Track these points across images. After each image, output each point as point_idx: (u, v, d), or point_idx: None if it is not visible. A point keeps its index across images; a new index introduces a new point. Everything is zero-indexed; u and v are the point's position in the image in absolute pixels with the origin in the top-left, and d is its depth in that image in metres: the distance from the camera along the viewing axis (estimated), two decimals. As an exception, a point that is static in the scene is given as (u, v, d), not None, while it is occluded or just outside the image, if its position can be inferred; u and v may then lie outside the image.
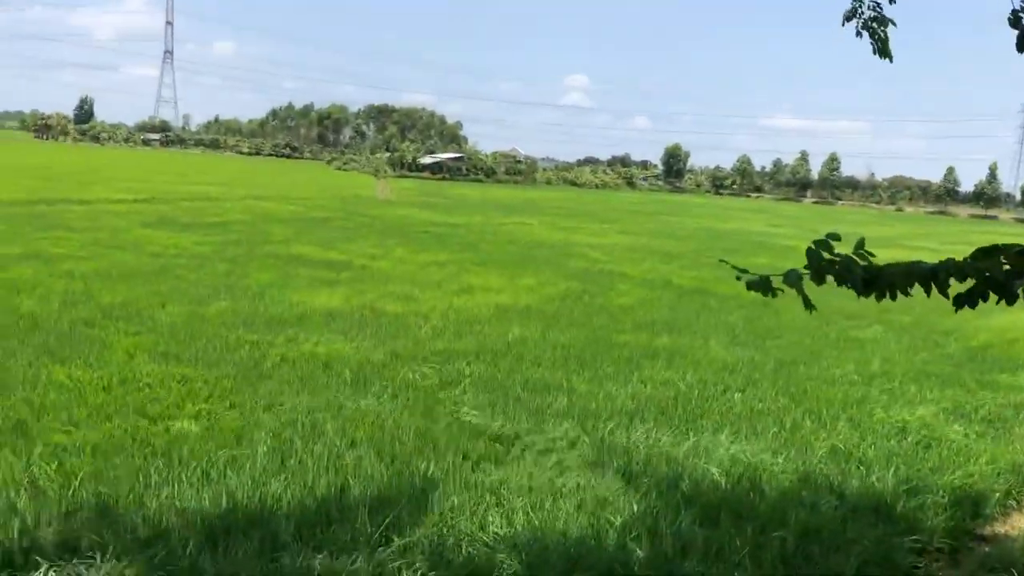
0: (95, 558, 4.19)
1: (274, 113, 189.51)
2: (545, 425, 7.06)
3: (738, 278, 3.09)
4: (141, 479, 5.26)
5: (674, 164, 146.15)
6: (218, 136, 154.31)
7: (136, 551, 4.31)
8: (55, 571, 4.11)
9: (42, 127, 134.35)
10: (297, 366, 8.27)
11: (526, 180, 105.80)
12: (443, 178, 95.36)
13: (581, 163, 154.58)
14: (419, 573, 4.39)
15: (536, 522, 5.11)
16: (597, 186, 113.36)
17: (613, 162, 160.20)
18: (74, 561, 4.18)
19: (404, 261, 17.34)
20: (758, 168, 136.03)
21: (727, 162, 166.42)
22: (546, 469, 6.06)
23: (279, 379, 7.79)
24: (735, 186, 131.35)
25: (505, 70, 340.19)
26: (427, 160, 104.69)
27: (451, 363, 8.85)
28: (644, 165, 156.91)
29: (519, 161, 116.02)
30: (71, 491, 4.98)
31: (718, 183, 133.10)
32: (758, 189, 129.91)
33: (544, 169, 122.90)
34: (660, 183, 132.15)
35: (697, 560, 4.80)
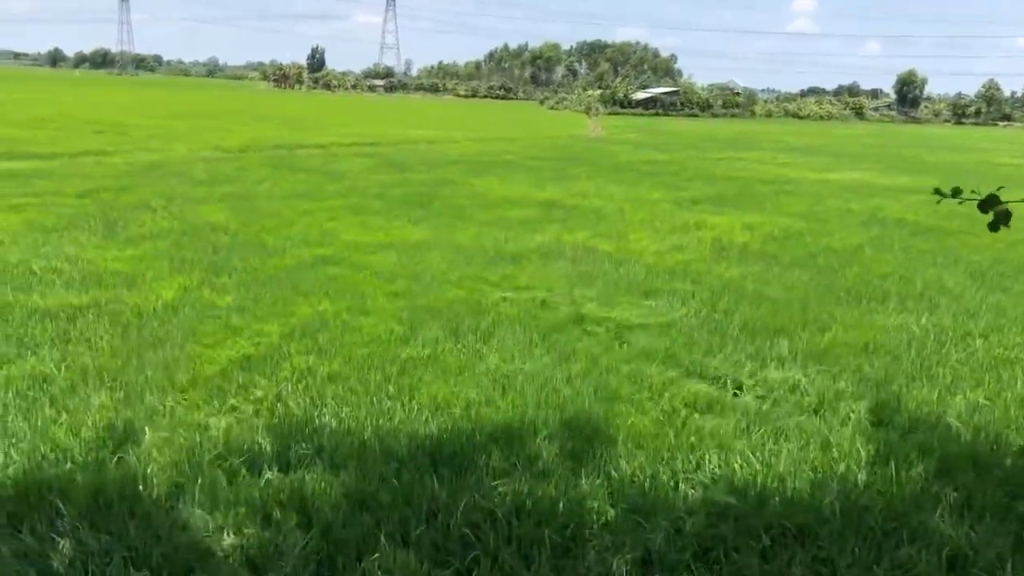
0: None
1: (490, 55, 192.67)
2: (766, 370, 6.79)
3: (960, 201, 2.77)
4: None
5: (908, 92, 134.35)
6: (437, 80, 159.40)
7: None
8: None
9: (280, 76, 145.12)
10: (514, 304, 8.44)
11: (744, 113, 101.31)
12: (656, 113, 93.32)
13: (804, 94, 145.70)
14: (622, 508, 4.38)
15: (756, 464, 4.95)
16: (822, 117, 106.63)
17: (840, 92, 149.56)
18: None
19: (616, 199, 17.19)
20: (1007, 94, 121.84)
21: (970, 88, 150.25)
22: (766, 413, 5.84)
23: (495, 317, 7.97)
24: (980, 114, 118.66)
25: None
26: (640, 96, 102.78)
27: (667, 302, 8.71)
28: (874, 94, 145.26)
29: (736, 93, 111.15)
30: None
31: (959, 112, 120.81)
32: (1007, 117, 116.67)
33: (764, 101, 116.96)
34: (893, 113, 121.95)
35: (935, 513, 4.45)
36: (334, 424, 5.23)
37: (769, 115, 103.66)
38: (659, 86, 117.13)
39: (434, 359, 6.56)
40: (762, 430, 5.48)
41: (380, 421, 5.32)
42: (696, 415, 5.71)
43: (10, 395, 5.40)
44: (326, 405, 5.53)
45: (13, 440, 4.79)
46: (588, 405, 5.74)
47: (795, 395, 6.23)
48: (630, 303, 8.65)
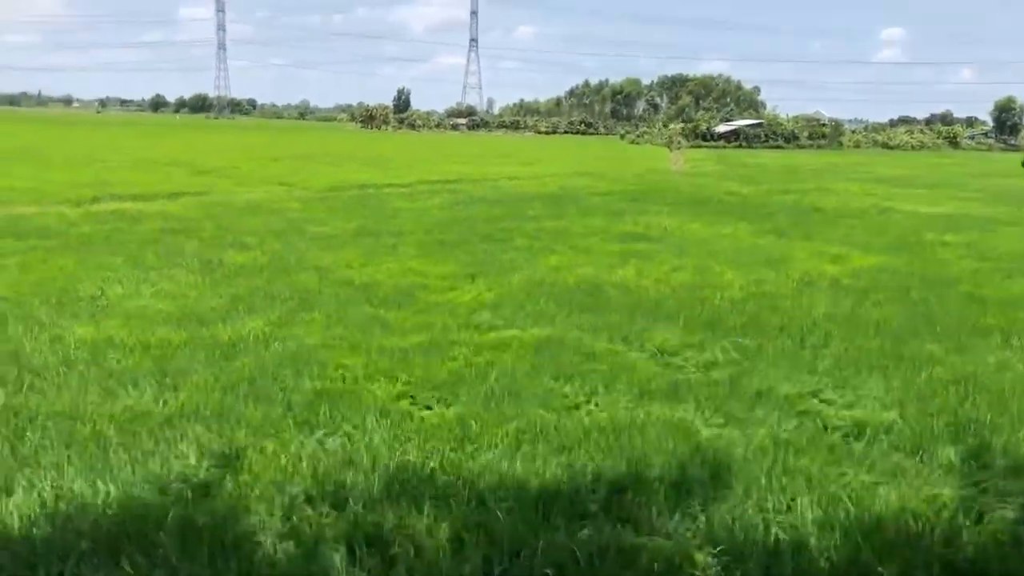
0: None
1: (570, 92, 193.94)
2: (857, 408, 6.56)
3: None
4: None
5: (1007, 119, 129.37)
6: (518, 117, 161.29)
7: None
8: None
9: (367, 117, 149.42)
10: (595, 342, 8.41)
11: (831, 144, 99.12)
12: (739, 146, 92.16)
13: (894, 123, 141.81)
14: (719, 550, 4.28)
15: (850, 505, 4.77)
16: (913, 147, 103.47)
17: (932, 120, 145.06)
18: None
19: (698, 232, 17.01)
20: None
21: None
22: (861, 452, 5.64)
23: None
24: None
25: (809, 29, 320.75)
26: (723, 128, 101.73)
27: (751, 338, 8.53)
28: (969, 122, 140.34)
29: (823, 124, 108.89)
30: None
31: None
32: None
33: (852, 132, 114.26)
34: (990, 141, 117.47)
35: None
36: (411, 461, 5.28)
37: (857, 146, 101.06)
38: (742, 118, 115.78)
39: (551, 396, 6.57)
40: (856, 470, 5.30)
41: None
42: (786, 454, 5.55)
43: (112, 428, 5.63)
44: (409, 440, 5.59)
45: (112, 472, 4.98)
46: (677, 444, 5.66)
47: (890, 435, 5.99)
48: (713, 339, 8.50)
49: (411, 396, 6.51)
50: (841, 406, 6.57)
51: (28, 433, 5.49)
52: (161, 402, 6.17)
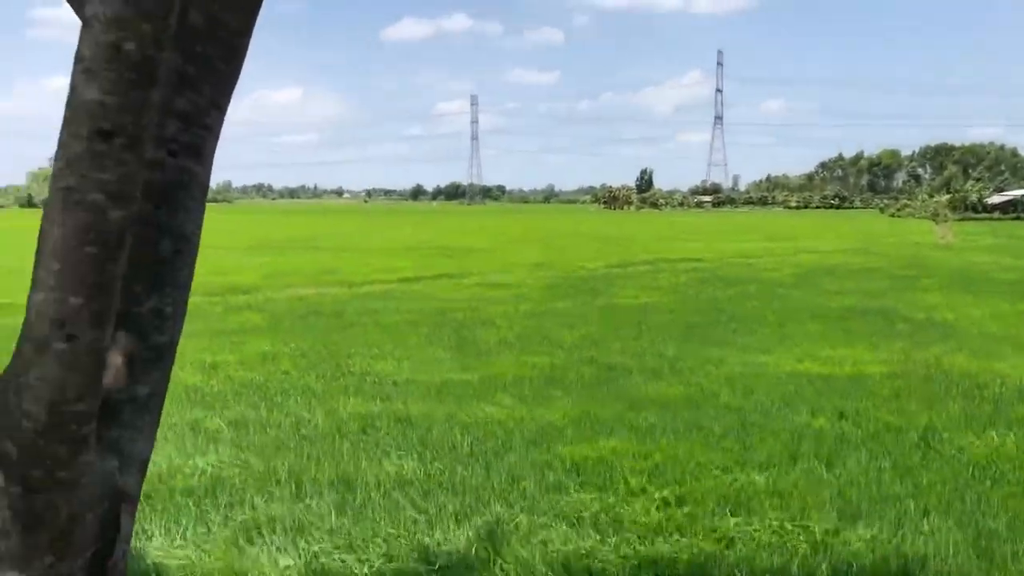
0: None
1: (822, 165, 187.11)
2: None
3: None
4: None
5: None
6: (766, 193, 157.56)
7: None
8: None
9: (609, 198, 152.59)
10: (862, 427, 7.86)
11: None
12: (1017, 217, 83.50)
13: None
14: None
15: None
16: None
17: None
18: None
19: (972, 312, 15.50)
20: None
21: None
22: None
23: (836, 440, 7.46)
24: None
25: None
26: (996, 199, 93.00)
27: (1043, 432, 7.58)
28: None
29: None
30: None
31: None
32: None
33: None
34: None
35: None
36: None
37: None
38: (1019, 187, 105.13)
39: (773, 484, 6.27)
40: None
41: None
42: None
43: (377, 496, 6.03)
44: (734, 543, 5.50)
45: (379, 540, 5.31)
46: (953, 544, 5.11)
47: None
48: (992, 431, 7.64)
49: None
50: None
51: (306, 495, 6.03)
52: (421, 471, 6.54)
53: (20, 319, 1.47)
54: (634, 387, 9.54)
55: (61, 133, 1.42)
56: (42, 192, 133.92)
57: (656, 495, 6.00)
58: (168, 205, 1.74)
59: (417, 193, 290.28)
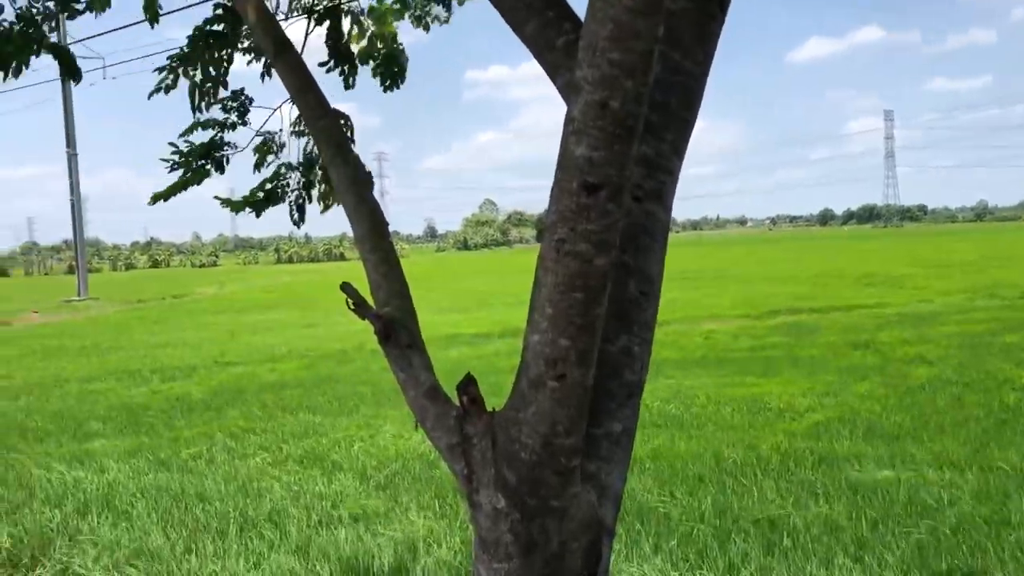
0: None
1: None
2: None
3: None
4: None
5: None
6: None
7: None
8: None
9: None
10: None
11: None
12: None
13: None
14: None
15: None
16: None
17: None
18: None
19: None
20: None
21: None
22: None
23: None
24: None
25: None
26: None
27: None
28: None
29: None
30: None
31: None
32: None
33: None
34: None
35: None
36: None
37: None
38: None
39: None
40: None
41: None
42: None
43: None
44: None
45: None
46: None
47: None
48: None
49: None
50: None
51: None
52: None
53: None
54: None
55: (553, 188, 1.55)
56: (475, 236, 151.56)
57: None
58: (634, 248, 1.82)
59: (826, 218, 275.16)
